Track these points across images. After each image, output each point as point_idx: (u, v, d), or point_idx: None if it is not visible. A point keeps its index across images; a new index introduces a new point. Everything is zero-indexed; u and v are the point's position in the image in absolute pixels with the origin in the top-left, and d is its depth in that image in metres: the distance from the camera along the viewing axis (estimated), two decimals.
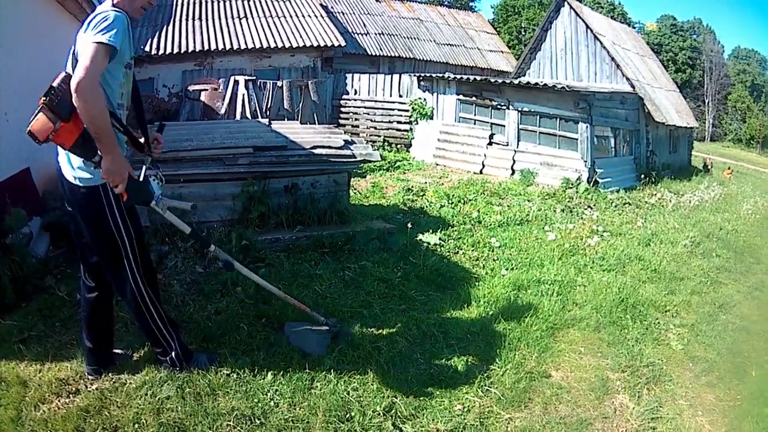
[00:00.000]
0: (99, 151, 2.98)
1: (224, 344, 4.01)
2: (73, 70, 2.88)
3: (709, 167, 24.85)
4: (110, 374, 3.56)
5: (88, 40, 2.87)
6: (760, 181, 28.66)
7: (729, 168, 27.87)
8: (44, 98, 2.86)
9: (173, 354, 3.59)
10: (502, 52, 29.16)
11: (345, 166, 7.33)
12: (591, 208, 11.16)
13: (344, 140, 7.46)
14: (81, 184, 3.15)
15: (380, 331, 4.56)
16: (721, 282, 7.51)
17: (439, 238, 7.33)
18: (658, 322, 5.67)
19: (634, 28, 62.24)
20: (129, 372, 3.61)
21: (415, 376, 3.92)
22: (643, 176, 15.71)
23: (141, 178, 3.24)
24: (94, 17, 2.96)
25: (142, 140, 3.51)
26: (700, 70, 69.02)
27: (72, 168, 3.14)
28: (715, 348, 5.30)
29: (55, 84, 2.92)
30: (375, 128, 17.56)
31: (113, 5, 3.06)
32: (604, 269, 7.07)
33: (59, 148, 3.12)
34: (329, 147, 7.11)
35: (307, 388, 3.61)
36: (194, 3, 19.52)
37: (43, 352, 3.82)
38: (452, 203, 10.01)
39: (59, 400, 3.33)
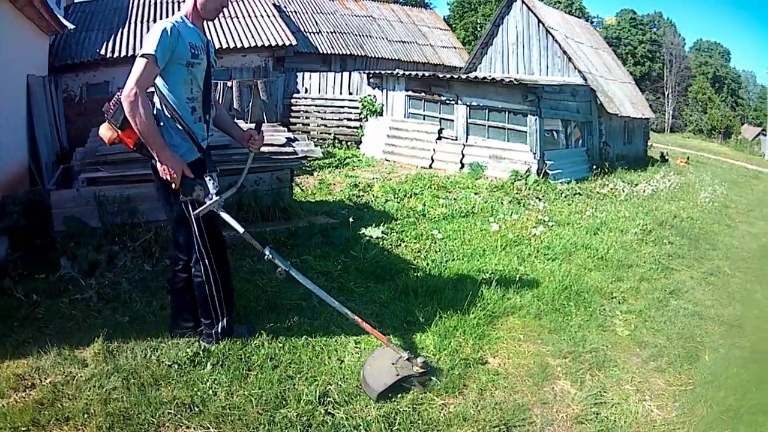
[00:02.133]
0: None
1: (166, 337, 4.19)
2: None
3: (667, 157, 25.33)
4: (62, 368, 3.75)
5: (138, 55, 3.44)
6: (721, 170, 28.64)
7: (687, 157, 28.47)
8: (106, 113, 3.55)
9: (219, 327, 4.09)
10: (455, 47, 29.59)
11: (287, 163, 7.54)
12: (539, 199, 11.32)
13: (286, 138, 7.65)
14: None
15: (317, 322, 4.69)
16: (673, 268, 7.65)
17: (382, 232, 7.48)
18: (604, 309, 5.74)
19: (592, 22, 63.43)
20: (79, 366, 3.80)
21: (350, 364, 4.03)
22: (595, 167, 16.01)
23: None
24: (147, 34, 3.61)
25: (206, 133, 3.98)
26: (660, 63, 70.54)
27: (151, 160, 3.67)
28: (664, 333, 5.36)
29: (114, 99, 3.53)
30: (325, 126, 17.78)
31: (182, 16, 3.71)
32: (548, 258, 7.21)
33: None
34: (272, 145, 7.30)
35: (244, 377, 3.76)
36: (149, 5, 19.53)
37: (1, 350, 4.00)
38: (398, 198, 10.20)
39: (16, 395, 3.49)
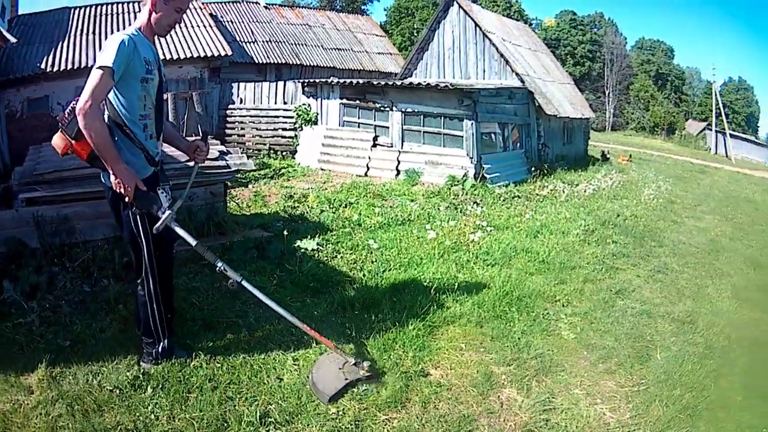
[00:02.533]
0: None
1: (107, 361, 4.13)
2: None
3: (608, 156, 25.79)
4: (9, 396, 3.71)
5: (94, 66, 3.43)
6: (665, 166, 29.28)
7: (629, 155, 29.04)
8: (60, 123, 3.57)
9: (160, 347, 4.08)
10: (390, 53, 29.85)
11: (220, 177, 7.51)
12: (477, 204, 11.35)
13: (219, 151, 7.60)
14: (110, 186, 3.70)
15: (255, 339, 4.66)
16: (618, 268, 7.70)
17: (317, 244, 7.41)
18: (547, 313, 5.73)
19: (531, 24, 64.43)
20: (25, 393, 3.75)
21: (289, 382, 4.00)
22: (534, 169, 16.21)
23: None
24: (104, 44, 3.58)
25: (158, 149, 4.03)
26: (600, 63, 72.32)
27: (104, 174, 3.74)
28: (612, 334, 5.37)
29: (69, 108, 3.54)
30: (260, 137, 17.71)
31: (136, 29, 3.69)
32: (487, 264, 7.19)
33: None
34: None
35: (185, 399, 3.73)
36: (88, 17, 19.29)
37: None
38: (333, 207, 10.16)
39: None
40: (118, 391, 3.77)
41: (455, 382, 4.21)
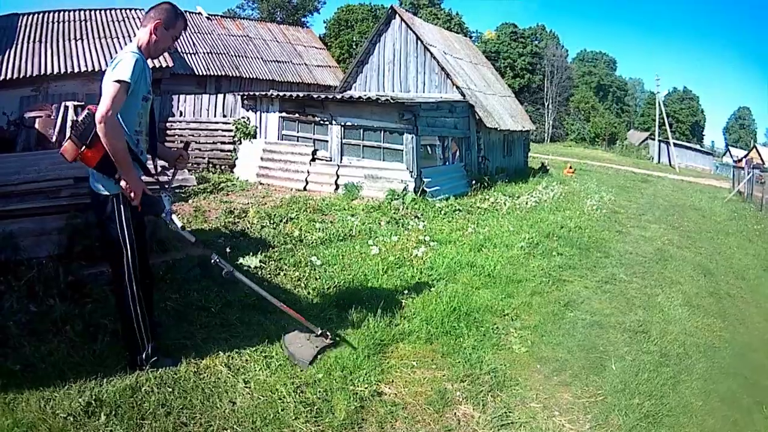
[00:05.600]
0: (118, 171, 3.82)
1: (58, 386, 4.07)
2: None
3: (548, 167, 26.48)
4: None
5: (110, 78, 3.69)
6: (607, 176, 30.07)
7: (570, 166, 29.86)
8: (72, 130, 3.80)
9: (144, 354, 4.25)
10: (329, 66, 30.17)
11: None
12: (418, 218, 11.50)
13: (161, 166, 7.60)
14: (99, 192, 4.02)
15: (203, 362, 4.59)
16: (566, 280, 7.86)
17: (260, 261, 7.41)
18: (497, 327, 5.81)
19: (471, 37, 65.53)
20: None
21: (242, 406, 4.00)
22: (474, 182, 16.60)
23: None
24: (116, 58, 3.86)
25: (150, 165, 4.36)
26: (540, 75, 73.99)
27: (95, 180, 4.01)
28: (564, 346, 5.47)
29: (79, 118, 3.83)
30: (200, 150, 17.60)
31: (136, 48, 3.96)
32: (433, 279, 7.27)
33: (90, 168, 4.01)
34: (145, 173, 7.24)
35: (138, 426, 3.72)
36: (35, 25, 19.13)
37: None
38: (274, 223, 10.13)
39: None
40: (72, 419, 3.73)
41: (410, 401, 4.25)
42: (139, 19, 20.75)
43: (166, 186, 4.35)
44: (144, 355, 4.24)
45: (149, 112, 4.29)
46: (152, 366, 4.27)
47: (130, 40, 15.30)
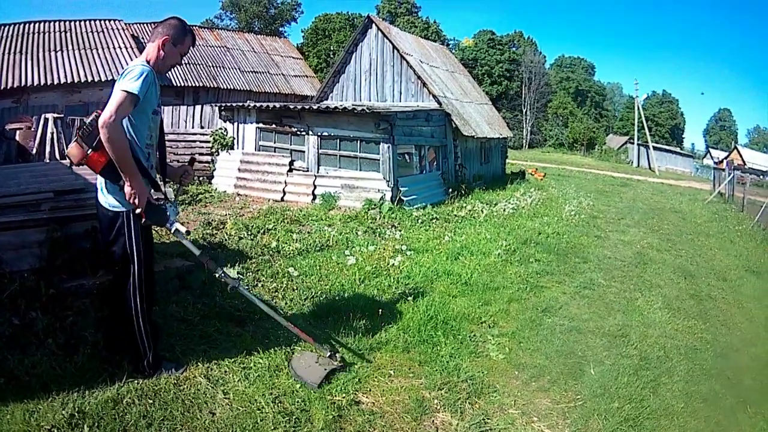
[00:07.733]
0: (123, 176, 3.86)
1: (42, 399, 4.09)
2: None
3: (525, 174, 26.67)
4: None
5: (118, 87, 3.75)
6: (585, 181, 30.08)
7: (536, 169, 30.15)
8: (78, 131, 3.83)
9: (146, 361, 4.35)
10: (306, 76, 30.33)
11: None
12: (395, 228, 11.60)
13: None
14: (109, 208, 4.07)
15: (183, 373, 4.59)
16: (543, 286, 7.93)
17: (238, 272, 7.45)
18: (474, 335, 5.86)
19: (448, 45, 65.81)
20: None
21: (222, 417, 4.03)
22: (452, 190, 16.74)
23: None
24: (127, 69, 3.91)
25: (159, 180, 4.40)
26: (518, 81, 74.48)
27: (104, 195, 4.07)
28: (542, 352, 5.53)
29: (87, 120, 3.85)
30: (178, 161, 17.53)
31: (145, 61, 4.02)
32: (410, 288, 7.30)
33: (98, 182, 4.09)
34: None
35: None
36: (16, 36, 19.18)
37: None
38: (251, 234, 10.16)
39: None
40: (56, 431, 3.76)
41: (387, 409, 4.28)
42: (119, 30, 20.95)
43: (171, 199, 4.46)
44: (145, 362, 4.35)
45: (159, 127, 4.36)
46: (155, 371, 4.39)
47: (110, 52, 15.52)
